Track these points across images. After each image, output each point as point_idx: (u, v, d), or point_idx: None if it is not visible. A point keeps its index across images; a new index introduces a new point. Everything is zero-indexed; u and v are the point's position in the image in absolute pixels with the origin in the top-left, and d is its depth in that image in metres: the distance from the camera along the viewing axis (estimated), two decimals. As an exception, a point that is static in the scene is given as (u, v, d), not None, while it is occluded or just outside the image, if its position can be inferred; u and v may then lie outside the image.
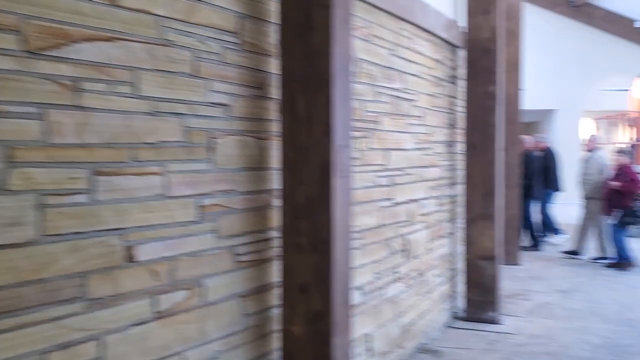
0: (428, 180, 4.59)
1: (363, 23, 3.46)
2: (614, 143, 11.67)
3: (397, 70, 3.95)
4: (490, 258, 5.10)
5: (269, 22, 2.59)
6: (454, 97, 5.31)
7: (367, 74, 3.53)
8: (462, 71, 5.25)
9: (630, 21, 14.96)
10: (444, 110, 4.97)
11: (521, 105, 7.74)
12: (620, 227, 7.54)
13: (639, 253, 7.80)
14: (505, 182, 7.80)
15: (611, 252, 7.71)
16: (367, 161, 3.54)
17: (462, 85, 5.27)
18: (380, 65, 3.70)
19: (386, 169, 3.79)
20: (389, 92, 3.84)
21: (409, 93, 4.16)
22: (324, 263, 2.46)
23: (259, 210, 2.56)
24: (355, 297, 3.34)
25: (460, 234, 5.37)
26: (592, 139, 8.43)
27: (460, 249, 5.35)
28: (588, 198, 8.11)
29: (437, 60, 4.76)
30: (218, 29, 2.33)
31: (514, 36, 7.55)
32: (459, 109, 5.32)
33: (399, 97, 3.99)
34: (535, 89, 15.70)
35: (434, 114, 4.72)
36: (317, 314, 2.49)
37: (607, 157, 8.15)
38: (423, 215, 4.49)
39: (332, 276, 2.46)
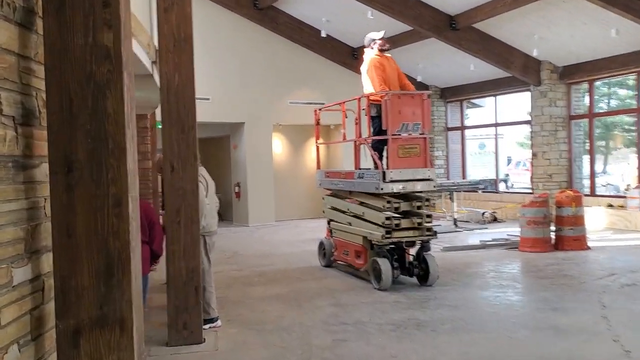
0: None
1: None
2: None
3: None
4: (122, 412, 2.32)
5: None
6: (33, 59, 2.43)
7: None
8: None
9: (317, 31, 14.07)
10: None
11: (195, 106, 5.17)
12: None
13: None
14: (174, 218, 5.19)
15: None
16: None
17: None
18: None
19: None
20: None
21: None
22: None
23: None
24: None
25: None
26: None
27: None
28: None
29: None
30: None
31: (180, -2, 4.99)
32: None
33: None
34: (223, 100, 13.72)
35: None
36: None
37: None
38: None
39: None
